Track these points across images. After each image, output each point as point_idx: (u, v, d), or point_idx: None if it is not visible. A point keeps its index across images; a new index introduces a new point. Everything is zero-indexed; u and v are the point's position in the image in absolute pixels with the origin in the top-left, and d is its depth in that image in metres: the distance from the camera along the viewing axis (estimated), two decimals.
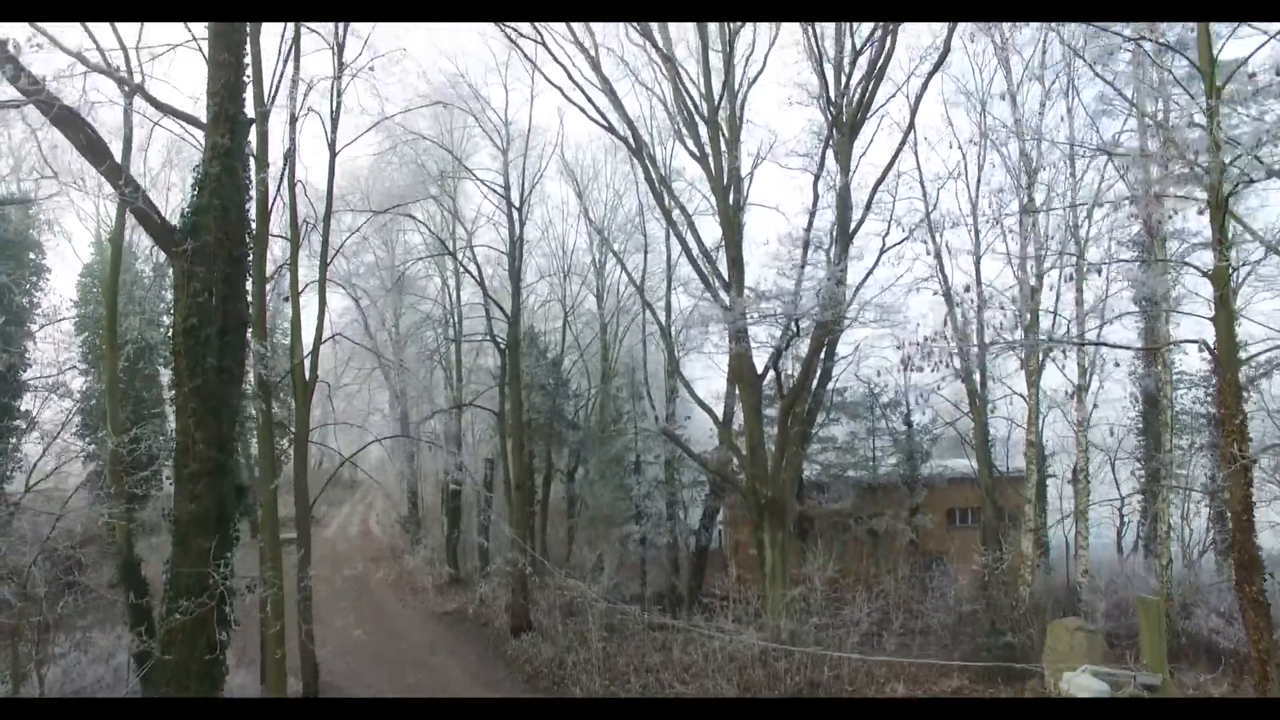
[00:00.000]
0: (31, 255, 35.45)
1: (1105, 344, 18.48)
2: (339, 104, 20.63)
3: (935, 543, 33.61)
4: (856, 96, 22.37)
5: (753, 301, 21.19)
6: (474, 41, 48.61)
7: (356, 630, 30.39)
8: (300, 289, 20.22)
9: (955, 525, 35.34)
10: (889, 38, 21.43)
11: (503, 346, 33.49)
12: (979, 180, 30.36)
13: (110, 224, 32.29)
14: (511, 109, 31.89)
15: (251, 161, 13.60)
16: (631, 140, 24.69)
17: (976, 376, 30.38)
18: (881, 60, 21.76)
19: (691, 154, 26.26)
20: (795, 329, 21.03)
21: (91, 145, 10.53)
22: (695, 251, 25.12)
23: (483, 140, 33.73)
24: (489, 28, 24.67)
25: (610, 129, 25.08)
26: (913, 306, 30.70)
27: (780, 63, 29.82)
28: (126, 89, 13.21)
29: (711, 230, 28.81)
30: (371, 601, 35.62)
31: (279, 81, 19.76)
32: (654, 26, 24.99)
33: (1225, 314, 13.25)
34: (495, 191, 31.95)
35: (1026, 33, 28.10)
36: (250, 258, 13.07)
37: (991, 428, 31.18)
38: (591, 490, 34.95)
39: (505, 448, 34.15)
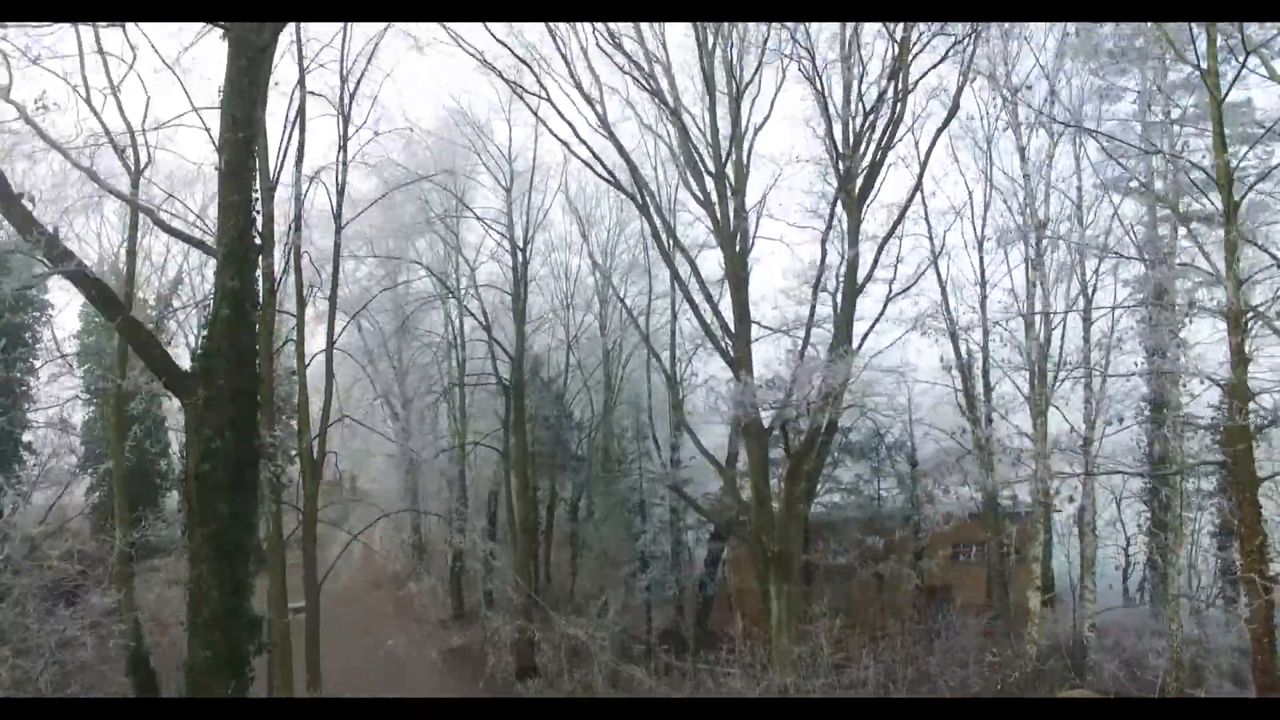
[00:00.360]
0: (33, 290, 35.20)
1: (1121, 470, 18.31)
2: (344, 178, 20.46)
3: (939, 578, 33.60)
4: (866, 165, 22.15)
5: (762, 390, 21.02)
6: (478, 79, 48.28)
7: (358, 668, 30.37)
8: (306, 362, 20.08)
9: (959, 560, 35.31)
10: (899, 103, 21.18)
11: (507, 384, 33.39)
12: (983, 229, 30.41)
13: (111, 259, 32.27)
14: (515, 145, 31.44)
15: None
16: (639, 197, 24.45)
17: (982, 420, 30.52)
18: (892, 128, 21.52)
19: (696, 198, 26.01)
20: (806, 409, 20.91)
21: (105, 299, 10.39)
22: (703, 307, 24.98)
23: (486, 176, 33.57)
24: (495, 67, 24.18)
25: (616, 184, 24.88)
26: (918, 350, 30.61)
27: (788, 101, 29.56)
28: (140, 212, 13.01)
29: (717, 263, 28.70)
30: (375, 636, 35.57)
31: (285, 153, 19.59)
32: (660, 74, 24.63)
33: (1244, 432, 13.12)
34: (500, 234, 31.89)
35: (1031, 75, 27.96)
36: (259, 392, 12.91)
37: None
38: (597, 531, 34.88)
39: (509, 488, 34.12)
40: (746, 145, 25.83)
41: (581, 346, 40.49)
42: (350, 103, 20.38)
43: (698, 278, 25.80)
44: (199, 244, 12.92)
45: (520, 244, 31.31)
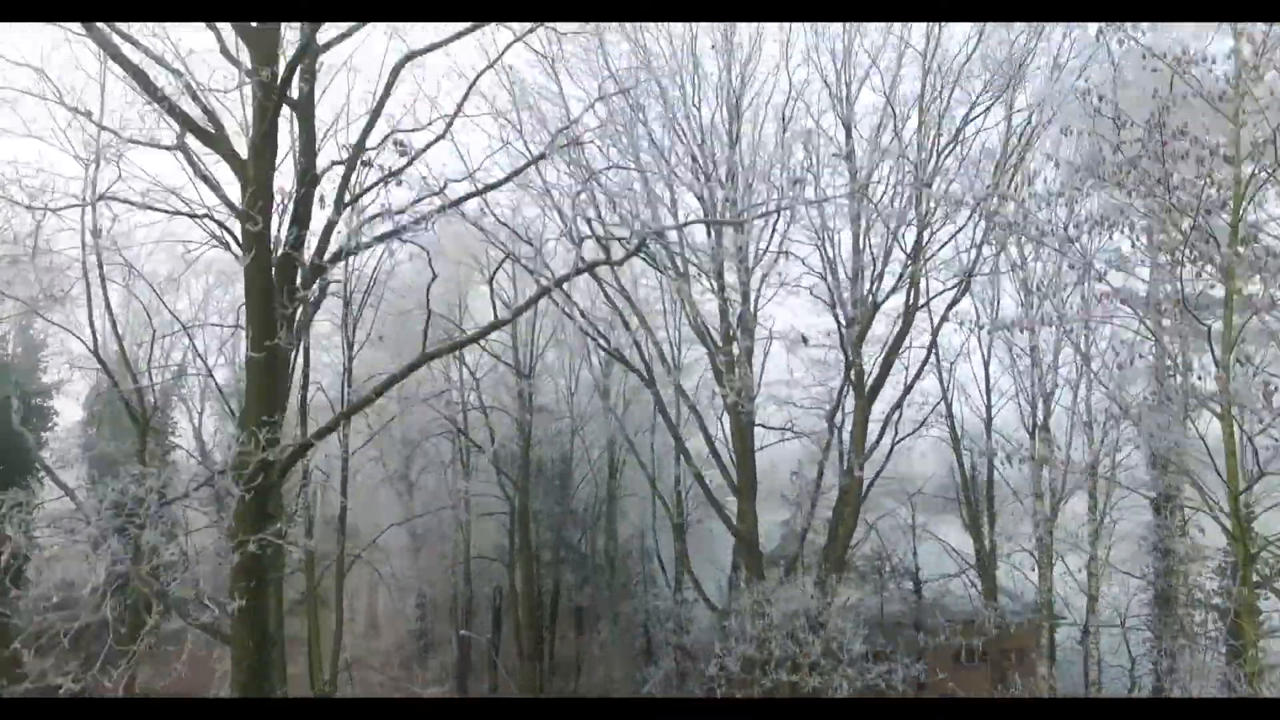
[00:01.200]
0: (36, 400, 35.12)
1: None
2: (350, 371, 20.35)
3: (941, 683, 33.86)
4: (875, 369, 22.11)
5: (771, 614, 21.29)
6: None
7: None
8: (317, 581, 20.15)
9: (962, 665, 35.52)
10: (909, 315, 21.09)
11: (512, 498, 33.53)
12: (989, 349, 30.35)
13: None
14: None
15: None
16: (645, 373, 24.37)
17: (985, 533, 30.92)
18: (901, 331, 21.44)
19: (703, 341, 25.96)
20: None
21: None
22: (710, 477, 25.10)
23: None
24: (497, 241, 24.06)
25: (622, 360, 24.85)
26: (923, 454, 30.93)
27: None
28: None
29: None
30: None
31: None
32: (677, 243, 24.43)
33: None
34: (500, 354, 31.78)
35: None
36: None
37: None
38: (601, 652, 35.21)
39: (515, 596, 34.45)
40: (754, 299, 25.76)
41: (586, 434, 40.40)
42: (356, 319, 20.22)
43: (708, 441, 25.71)
44: (217, 634, 12.66)
45: (525, 370, 31.25)
